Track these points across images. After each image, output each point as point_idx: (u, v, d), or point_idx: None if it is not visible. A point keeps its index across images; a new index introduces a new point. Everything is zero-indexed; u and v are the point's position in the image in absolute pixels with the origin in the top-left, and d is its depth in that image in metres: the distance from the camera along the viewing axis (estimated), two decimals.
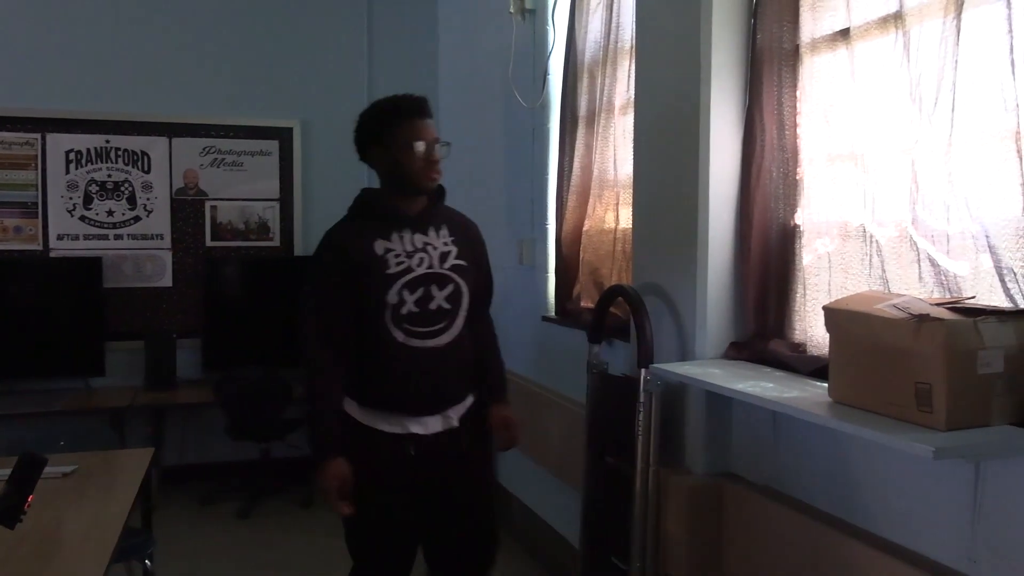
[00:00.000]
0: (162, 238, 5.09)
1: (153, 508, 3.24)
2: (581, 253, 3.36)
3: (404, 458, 2.31)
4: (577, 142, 3.36)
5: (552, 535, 3.75)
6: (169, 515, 4.42)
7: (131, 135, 5.02)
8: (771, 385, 2.04)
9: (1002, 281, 1.64)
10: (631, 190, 2.86)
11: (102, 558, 2.01)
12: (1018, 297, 1.62)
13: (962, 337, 1.53)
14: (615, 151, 3.13)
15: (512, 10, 3.81)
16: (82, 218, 4.96)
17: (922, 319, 1.57)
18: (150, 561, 2.98)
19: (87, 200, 4.96)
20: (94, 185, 4.97)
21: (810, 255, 2.23)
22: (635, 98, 2.81)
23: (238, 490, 4.77)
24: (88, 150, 4.96)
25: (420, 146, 2.29)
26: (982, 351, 1.53)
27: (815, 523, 2.01)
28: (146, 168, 5.05)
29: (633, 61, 2.89)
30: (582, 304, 3.38)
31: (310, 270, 2.36)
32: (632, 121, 2.84)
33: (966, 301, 1.67)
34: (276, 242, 5.29)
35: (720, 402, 2.42)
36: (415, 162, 2.29)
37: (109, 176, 5.00)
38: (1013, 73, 1.60)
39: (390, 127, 2.30)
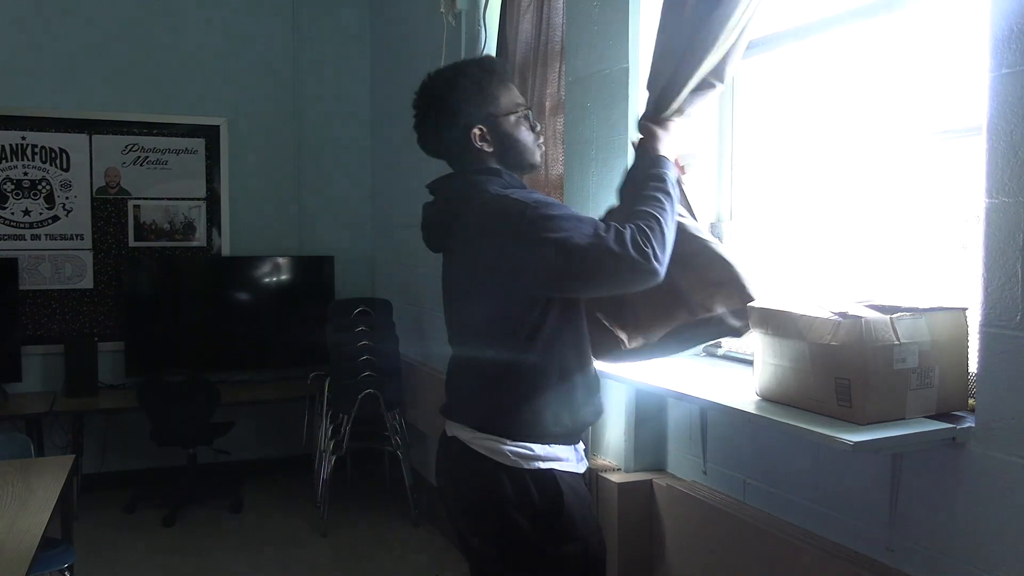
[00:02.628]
0: (82, 238, 4.93)
1: (73, 518, 3.14)
2: None
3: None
4: None
5: None
6: (90, 525, 4.28)
7: (49, 132, 4.84)
8: (698, 381, 2.08)
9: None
10: (562, 191, 2.88)
11: (19, 571, 1.94)
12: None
13: (879, 333, 1.58)
14: (546, 152, 3.15)
15: (443, 10, 3.79)
16: None
17: (841, 316, 1.62)
18: (70, 573, 2.89)
19: (2, 199, 4.77)
20: (9, 183, 4.78)
21: None
22: (565, 99, 2.83)
23: (163, 497, 4.63)
24: (3, 147, 4.76)
25: (531, 115, 1.93)
26: (897, 347, 1.59)
27: (742, 518, 2.05)
28: (65, 166, 4.88)
29: (564, 62, 2.91)
30: None
31: (544, 212, 1.70)
32: (563, 122, 2.86)
33: (882, 299, 1.74)
34: (203, 242, 5.17)
35: (650, 400, 2.45)
36: (527, 135, 1.90)
37: (25, 174, 4.81)
38: None
39: (496, 96, 1.89)
